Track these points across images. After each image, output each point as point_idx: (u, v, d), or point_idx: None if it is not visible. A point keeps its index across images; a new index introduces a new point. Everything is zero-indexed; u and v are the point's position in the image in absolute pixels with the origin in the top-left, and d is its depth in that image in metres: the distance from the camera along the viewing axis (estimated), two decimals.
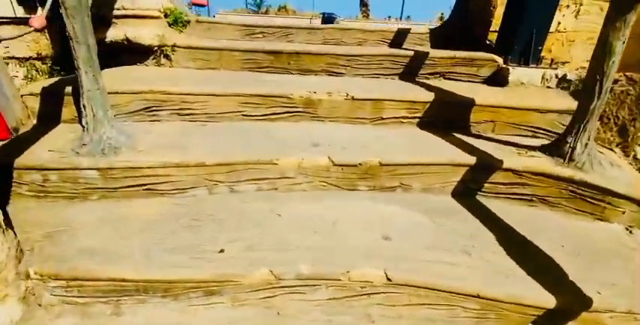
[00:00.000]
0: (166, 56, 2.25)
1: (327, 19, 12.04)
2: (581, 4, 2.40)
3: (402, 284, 1.13)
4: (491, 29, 2.56)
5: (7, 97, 1.65)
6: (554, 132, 1.88)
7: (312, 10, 14.03)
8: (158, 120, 1.84)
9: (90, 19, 1.36)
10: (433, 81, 2.31)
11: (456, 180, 1.62)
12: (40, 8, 2.36)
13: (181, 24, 2.42)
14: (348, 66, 2.35)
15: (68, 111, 1.76)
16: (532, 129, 1.92)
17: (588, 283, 1.15)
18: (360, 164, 1.56)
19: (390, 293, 1.15)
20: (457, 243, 1.31)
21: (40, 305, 1.09)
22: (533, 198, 1.58)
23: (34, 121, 1.77)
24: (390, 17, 15.50)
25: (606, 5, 2.48)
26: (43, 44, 2.67)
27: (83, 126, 1.49)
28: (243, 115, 1.92)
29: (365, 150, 1.64)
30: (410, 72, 2.36)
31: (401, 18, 15.59)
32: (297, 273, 1.12)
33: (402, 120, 1.98)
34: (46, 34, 2.54)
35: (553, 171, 1.54)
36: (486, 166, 1.59)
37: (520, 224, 1.42)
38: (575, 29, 2.47)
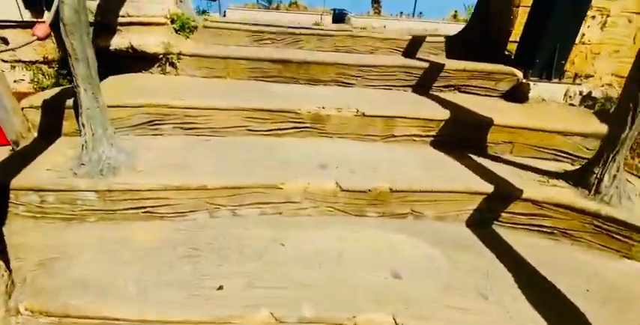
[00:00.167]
0: (172, 64, 2.18)
1: (338, 15, 11.86)
2: (608, 16, 2.25)
3: None
4: (510, 39, 2.43)
5: (7, 110, 1.60)
6: (576, 156, 1.77)
7: (323, 6, 13.84)
8: (161, 134, 1.78)
9: (89, 36, 1.29)
10: (448, 95, 2.20)
11: (471, 209, 1.52)
12: (46, 12, 2.30)
13: (188, 30, 2.34)
14: (359, 76, 2.26)
15: (69, 124, 1.70)
16: (554, 152, 1.80)
17: None
18: (369, 190, 1.48)
19: None
20: (472, 282, 1.22)
21: None
22: (555, 231, 1.48)
23: (35, 134, 1.72)
24: (402, 13, 15.20)
25: (635, 17, 2.35)
26: (50, 48, 2.63)
27: (82, 145, 1.44)
28: (248, 130, 1.85)
29: (375, 174, 1.55)
30: (424, 84, 2.26)
31: (413, 15, 15.26)
32: (300, 317, 1.05)
33: (414, 138, 1.89)
34: (52, 38, 2.49)
35: (577, 203, 1.43)
36: (505, 195, 1.49)
37: (540, 261, 1.33)
38: (600, 41, 2.33)
